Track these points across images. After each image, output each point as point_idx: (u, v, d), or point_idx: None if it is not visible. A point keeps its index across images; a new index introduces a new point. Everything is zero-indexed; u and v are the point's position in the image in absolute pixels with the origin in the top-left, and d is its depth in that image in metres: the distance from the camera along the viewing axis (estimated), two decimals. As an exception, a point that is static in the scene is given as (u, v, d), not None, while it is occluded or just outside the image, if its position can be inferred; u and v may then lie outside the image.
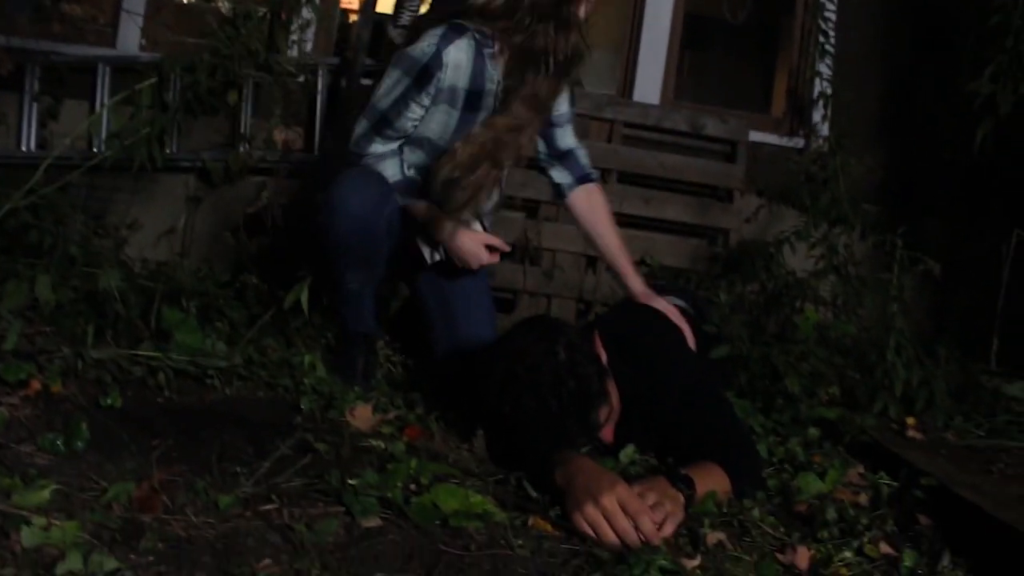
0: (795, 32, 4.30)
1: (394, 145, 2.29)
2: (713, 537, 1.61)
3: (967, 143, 3.71)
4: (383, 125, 2.25)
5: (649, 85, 4.05)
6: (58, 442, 1.60)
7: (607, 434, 2.01)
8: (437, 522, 1.55)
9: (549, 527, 1.60)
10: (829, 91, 4.01)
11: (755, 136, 4.05)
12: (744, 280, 3.38)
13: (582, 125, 3.43)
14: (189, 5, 3.80)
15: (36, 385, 1.81)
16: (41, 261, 2.48)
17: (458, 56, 2.17)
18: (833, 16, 4.06)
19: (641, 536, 1.52)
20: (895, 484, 1.97)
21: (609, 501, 1.54)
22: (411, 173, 2.30)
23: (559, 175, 2.48)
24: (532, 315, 2.33)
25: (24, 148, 3.38)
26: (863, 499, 1.91)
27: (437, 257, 2.34)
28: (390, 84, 2.22)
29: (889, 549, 1.64)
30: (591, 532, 1.54)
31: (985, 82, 3.51)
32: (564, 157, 2.47)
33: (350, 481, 1.62)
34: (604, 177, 3.63)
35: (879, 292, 2.84)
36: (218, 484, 1.56)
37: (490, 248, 2.31)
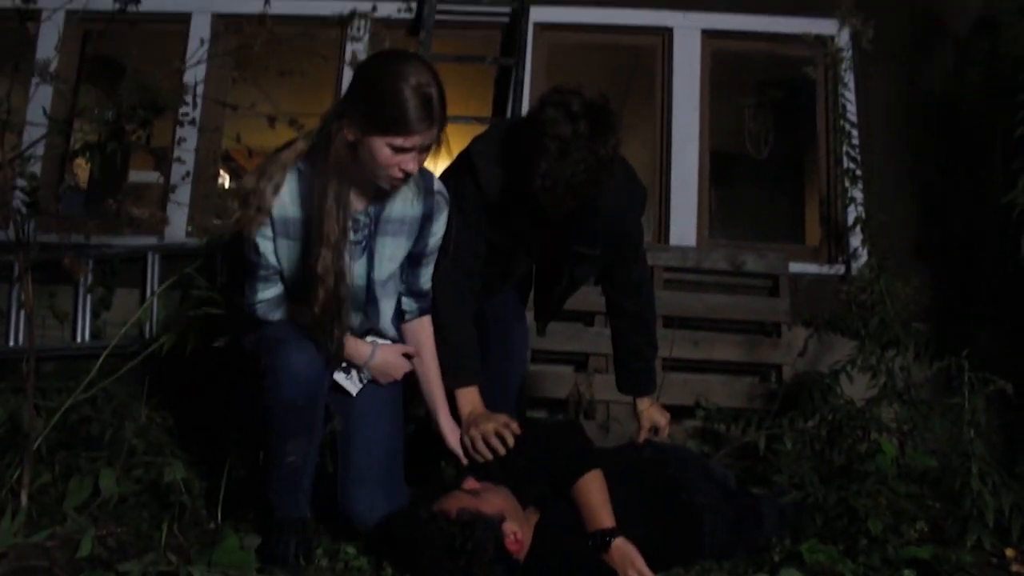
0: (820, 161, 4.37)
1: (277, 288, 2.21)
2: None
3: (1010, 252, 3.70)
4: (255, 269, 2.18)
5: (684, 227, 4.10)
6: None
7: (520, 547, 2.07)
8: None
9: None
10: (864, 215, 4.04)
11: (794, 267, 4.06)
12: (804, 415, 3.31)
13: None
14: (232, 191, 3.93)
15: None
16: (103, 453, 2.48)
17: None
18: (857, 141, 4.13)
19: None
20: (1010, 625, 1.85)
21: None
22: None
23: (408, 304, 2.43)
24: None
25: (79, 339, 3.45)
26: (980, 644, 1.80)
27: (361, 383, 2.31)
28: None
29: None
30: None
31: (1020, 192, 3.53)
32: (420, 295, 2.42)
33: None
34: (650, 322, 3.63)
35: (947, 416, 2.77)
36: None
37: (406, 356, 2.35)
